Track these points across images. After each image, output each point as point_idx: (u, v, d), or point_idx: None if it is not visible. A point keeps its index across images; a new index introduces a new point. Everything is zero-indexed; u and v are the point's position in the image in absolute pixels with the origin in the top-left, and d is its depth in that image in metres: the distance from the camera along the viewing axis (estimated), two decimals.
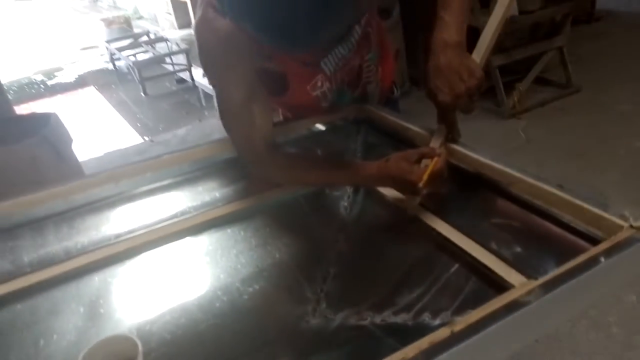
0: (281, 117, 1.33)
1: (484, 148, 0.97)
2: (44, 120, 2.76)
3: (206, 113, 4.65)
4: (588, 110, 3.21)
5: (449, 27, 0.95)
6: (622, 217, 0.73)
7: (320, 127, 1.31)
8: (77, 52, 7.57)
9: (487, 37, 0.98)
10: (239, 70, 0.92)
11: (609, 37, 4.41)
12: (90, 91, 5.93)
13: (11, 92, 6.07)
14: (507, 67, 3.33)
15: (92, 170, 3.22)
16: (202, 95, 4.88)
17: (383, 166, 0.93)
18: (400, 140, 1.16)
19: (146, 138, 4.07)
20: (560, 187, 0.83)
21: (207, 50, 0.91)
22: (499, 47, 3.21)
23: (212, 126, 3.90)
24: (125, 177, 1.08)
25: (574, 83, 3.44)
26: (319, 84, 1.12)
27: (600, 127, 2.99)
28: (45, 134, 2.63)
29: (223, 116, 1.00)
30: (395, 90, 1.44)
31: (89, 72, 6.55)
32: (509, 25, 2.91)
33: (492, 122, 3.27)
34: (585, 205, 0.77)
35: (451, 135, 1.02)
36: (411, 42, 3.73)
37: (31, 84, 6.36)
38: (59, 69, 6.77)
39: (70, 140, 2.94)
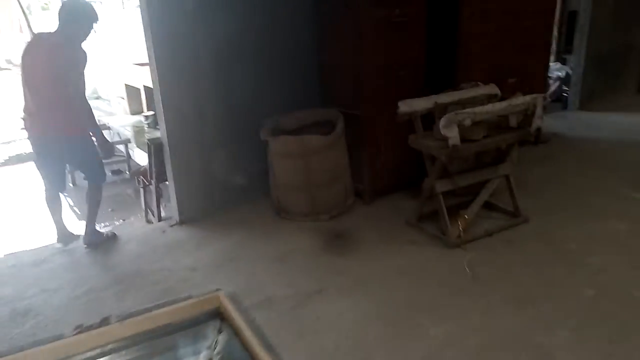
0: None
1: None
2: None
3: (139, 216, 4.22)
4: (536, 246, 3.00)
5: None
6: None
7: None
8: (16, 133, 7.14)
9: None
10: None
11: (555, 161, 4.39)
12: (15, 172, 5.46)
13: None
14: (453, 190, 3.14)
15: None
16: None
17: None
18: None
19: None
20: None
21: None
22: (442, 172, 3.04)
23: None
24: None
25: (522, 212, 3.27)
26: None
27: (548, 268, 2.76)
28: None
29: None
30: None
31: (21, 155, 6.10)
32: (451, 153, 2.75)
33: (437, 251, 3.00)
34: None
35: None
36: (355, 157, 3.54)
37: None
38: None
39: None
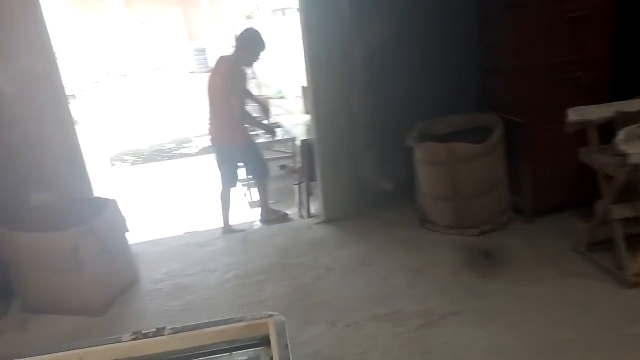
0: None
1: None
2: (101, 207, 2.81)
3: (295, 210, 4.48)
4: None
5: None
6: None
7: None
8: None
9: None
10: None
11: None
12: (206, 162, 6.28)
13: (143, 155, 6.77)
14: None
15: (146, 259, 3.18)
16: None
17: None
18: None
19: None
20: None
21: None
22: (625, 193, 2.51)
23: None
24: None
25: None
26: None
27: None
28: (93, 224, 2.65)
29: None
30: None
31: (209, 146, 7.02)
32: (631, 173, 2.26)
33: (607, 288, 2.50)
34: None
35: None
36: (516, 168, 3.16)
37: (161, 150, 7.04)
38: (189, 140, 7.41)
39: (125, 230, 2.96)
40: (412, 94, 3.36)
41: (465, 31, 3.33)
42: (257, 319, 0.89)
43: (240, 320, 0.89)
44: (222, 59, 3.58)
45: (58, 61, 2.97)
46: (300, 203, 4.00)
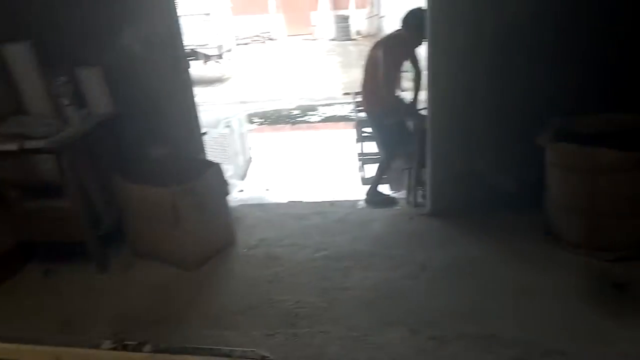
0: None
1: None
2: (204, 169, 2.88)
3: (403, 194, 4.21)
4: None
5: None
6: None
7: None
8: (338, 96, 8.19)
9: None
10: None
11: None
12: (328, 132, 6.27)
13: (270, 118, 7.00)
14: None
15: (247, 223, 3.21)
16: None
17: None
18: None
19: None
20: None
21: None
22: None
23: None
24: None
25: None
26: None
27: None
28: (194, 185, 2.72)
29: None
30: None
31: (334, 116, 6.97)
32: None
33: None
34: None
35: None
36: None
37: (289, 116, 7.19)
38: (314, 109, 7.44)
39: (225, 193, 3.02)
40: (549, 83, 2.82)
41: (624, 13, 2.66)
42: (244, 359, 0.73)
43: (227, 355, 0.74)
44: (386, 37, 3.68)
45: (180, 25, 3.05)
46: (409, 189, 3.72)
